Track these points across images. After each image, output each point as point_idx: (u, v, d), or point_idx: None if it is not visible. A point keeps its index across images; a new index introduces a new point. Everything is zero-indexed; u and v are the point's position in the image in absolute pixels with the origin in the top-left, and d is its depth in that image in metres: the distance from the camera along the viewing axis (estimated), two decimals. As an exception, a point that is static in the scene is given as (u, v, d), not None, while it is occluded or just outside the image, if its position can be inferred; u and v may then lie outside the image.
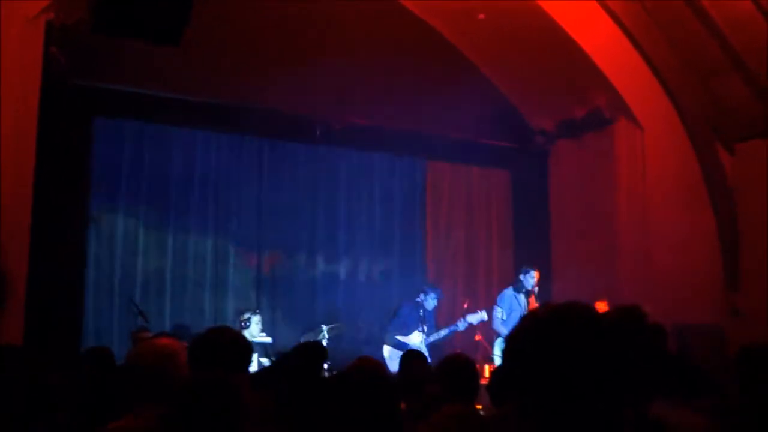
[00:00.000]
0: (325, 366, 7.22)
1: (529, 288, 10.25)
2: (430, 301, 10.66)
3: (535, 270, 10.33)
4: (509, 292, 10.44)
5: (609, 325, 1.80)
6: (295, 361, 5.03)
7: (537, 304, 10.17)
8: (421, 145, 12.35)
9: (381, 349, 10.53)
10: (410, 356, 6.23)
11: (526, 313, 1.87)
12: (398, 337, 10.48)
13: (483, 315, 10.47)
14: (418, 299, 10.67)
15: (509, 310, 10.28)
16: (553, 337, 1.74)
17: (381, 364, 3.94)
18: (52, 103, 8.89)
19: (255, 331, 9.90)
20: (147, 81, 10.29)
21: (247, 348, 3.86)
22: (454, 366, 4.83)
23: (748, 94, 10.90)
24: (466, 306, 10.83)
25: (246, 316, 9.99)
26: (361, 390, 3.62)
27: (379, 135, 12.05)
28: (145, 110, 10.74)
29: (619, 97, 11.14)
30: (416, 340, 10.40)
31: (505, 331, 10.16)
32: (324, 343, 10.15)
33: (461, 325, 10.42)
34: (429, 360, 7.65)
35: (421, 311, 10.59)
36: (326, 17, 10.81)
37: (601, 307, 10.27)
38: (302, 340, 10.54)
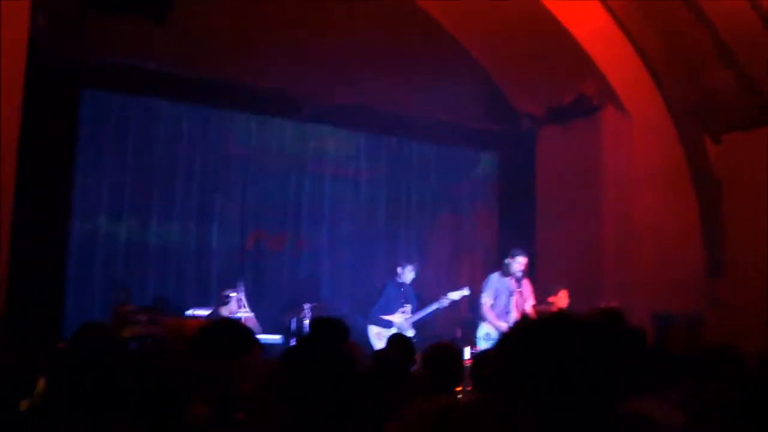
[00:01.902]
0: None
1: (516, 272, 10.23)
2: (408, 274, 10.70)
3: (522, 254, 10.30)
4: (495, 276, 10.44)
5: (592, 328, 1.87)
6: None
7: (522, 289, 10.19)
8: (408, 125, 12.35)
9: (366, 328, 10.55)
10: (395, 341, 6.25)
11: (520, 318, 1.92)
12: (382, 317, 10.51)
13: (465, 291, 10.55)
14: (397, 272, 10.73)
15: (495, 294, 10.29)
16: (544, 342, 1.81)
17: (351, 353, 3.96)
18: (39, 74, 8.82)
19: (234, 308, 9.89)
20: (135, 54, 10.24)
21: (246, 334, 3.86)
22: (439, 355, 4.87)
23: (736, 85, 10.92)
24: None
25: (226, 292, 9.98)
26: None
27: (366, 114, 12.04)
28: (132, 83, 10.69)
29: (607, 84, 11.16)
30: (400, 319, 10.44)
31: (491, 316, 10.17)
32: (306, 321, 10.20)
33: (444, 302, 10.48)
34: (415, 340, 7.72)
35: (402, 288, 10.64)
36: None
37: (562, 296, 10.33)
38: (284, 317, 10.59)
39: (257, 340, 3.57)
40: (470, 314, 10.92)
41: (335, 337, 4.97)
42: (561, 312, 1.93)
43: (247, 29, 10.68)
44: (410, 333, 10.11)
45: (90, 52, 10.07)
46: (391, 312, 10.53)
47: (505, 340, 1.92)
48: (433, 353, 4.92)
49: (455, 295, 10.49)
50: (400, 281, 10.71)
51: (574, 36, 10.88)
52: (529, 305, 10.17)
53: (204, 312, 9.99)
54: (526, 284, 10.31)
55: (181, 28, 8.89)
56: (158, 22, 6.10)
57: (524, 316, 1.98)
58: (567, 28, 10.82)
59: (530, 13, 10.73)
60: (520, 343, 1.86)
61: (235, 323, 4.03)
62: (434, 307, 10.55)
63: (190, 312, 10.10)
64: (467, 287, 10.66)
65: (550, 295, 10.45)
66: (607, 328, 1.84)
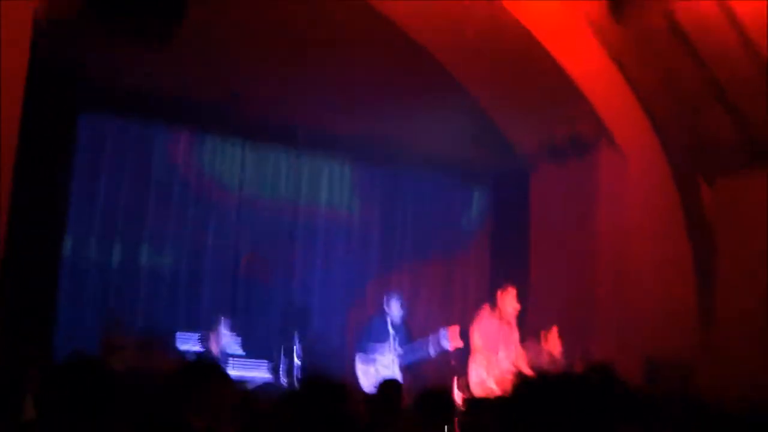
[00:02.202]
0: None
1: (507, 309, 10.17)
2: (395, 307, 10.60)
3: (512, 289, 10.23)
4: (486, 312, 10.38)
5: (583, 385, 1.89)
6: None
7: (513, 326, 10.14)
8: (402, 157, 12.38)
9: (352, 360, 10.51)
10: (386, 387, 6.18)
11: (519, 378, 1.93)
12: (368, 353, 10.44)
13: (453, 329, 10.40)
14: (384, 309, 10.66)
15: (485, 335, 10.20)
16: (542, 407, 1.82)
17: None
18: (38, 97, 8.82)
19: (222, 334, 9.86)
20: (133, 79, 10.26)
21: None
22: (430, 402, 4.83)
23: (731, 127, 10.96)
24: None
25: (216, 318, 9.95)
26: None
27: (360, 144, 12.11)
28: (129, 108, 10.74)
29: (602, 124, 11.17)
30: (387, 360, 10.36)
31: (480, 358, 10.05)
32: (296, 350, 10.16)
33: (433, 351, 10.36)
34: (402, 381, 7.67)
35: (389, 323, 10.58)
36: (311, 25, 10.79)
37: (553, 335, 10.28)
38: (273, 345, 10.54)
39: (221, 374, 3.55)
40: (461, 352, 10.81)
41: (332, 400, 4.87)
42: (557, 375, 1.93)
43: (244, 56, 10.71)
44: (395, 370, 10.07)
45: (89, 76, 10.09)
46: (378, 348, 10.45)
47: (506, 403, 1.94)
48: (427, 398, 4.88)
49: (445, 344, 10.34)
50: (388, 316, 10.65)
51: (570, 74, 10.91)
52: (514, 343, 10.09)
53: (192, 336, 9.93)
54: (513, 322, 10.22)
55: (178, 54, 8.89)
56: (158, 49, 6.12)
57: (522, 378, 1.99)
58: (562, 65, 10.85)
59: (526, 49, 10.76)
60: (520, 409, 1.87)
61: (209, 365, 3.99)
62: (423, 354, 10.41)
63: (179, 335, 10.05)
64: (456, 326, 10.48)
65: (541, 333, 10.41)
66: (599, 388, 1.86)
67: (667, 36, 10.53)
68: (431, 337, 10.32)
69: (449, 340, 10.26)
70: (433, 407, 4.82)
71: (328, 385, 4.92)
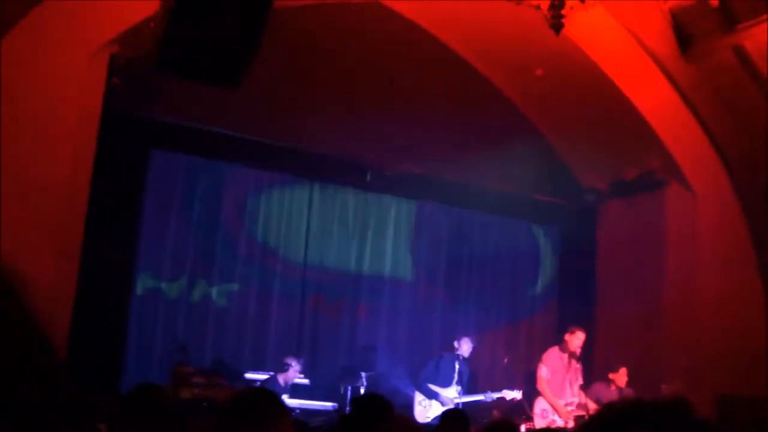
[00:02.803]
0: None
1: (574, 349, 10.11)
2: (465, 347, 10.63)
3: (581, 330, 10.19)
4: (555, 352, 10.30)
5: (657, 415, 1.84)
6: None
7: (579, 365, 10.05)
8: (469, 195, 12.35)
9: (413, 395, 10.51)
10: (452, 417, 6.15)
11: (601, 408, 1.90)
12: (431, 386, 10.46)
13: (518, 394, 10.38)
14: (454, 345, 10.69)
15: (553, 369, 10.15)
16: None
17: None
18: (111, 134, 9.05)
19: (291, 375, 9.90)
20: (204, 117, 10.45)
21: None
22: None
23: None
24: (506, 361, 10.75)
25: (287, 359, 9.98)
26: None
27: (429, 183, 12.10)
28: (200, 145, 10.91)
29: (672, 160, 11.06)
30: (451, 394, 10.37)
31: (548, 391, 10.03)
32: (362, 390, 10.15)
33: (493, 396, 10.38)
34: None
35: (458, 364, 10.57)
36: (383, 64, 10.91)
37: (622, 373, 10.15)
38: (340, 384, 10.54)
39: (285, 410, 3.53)
40: (527, 387, 10.74)
41: (378, 416, 4.84)
42: (635, 404, 1.88)
43: (313, 95, 10.85)
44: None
45: (161, 113, 10.31)
46: (442, 385, 10.46)
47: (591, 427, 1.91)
48: (493, 430, 4.85)
49: (507, 395, 10.36)
50: (457, 354, 10.64)
51: (639, 109, 10.84)
52: (577, 385, 10.01)
53: (262, 376, 9.99)
54: (579, 363, 10.17)
55: (249, 93, 9.03)
56: (230, 88, 6.24)
57: (602, 409, 1.97)
58: (632, 101, 10.79)
59: (595, 85, 10.74)
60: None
61: (264, 393, 3.97)
62: (481, 397, 10.46)
63: (248, 375, 10.12)
64: (520, 391, 10.47)
65: (609, 371, 10.30)
66: (679, 422, 1.79)
67: (736, 72, 10.43)
68: (493, 392, 10.37)
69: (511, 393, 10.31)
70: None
71: (375, 402, 4.91)
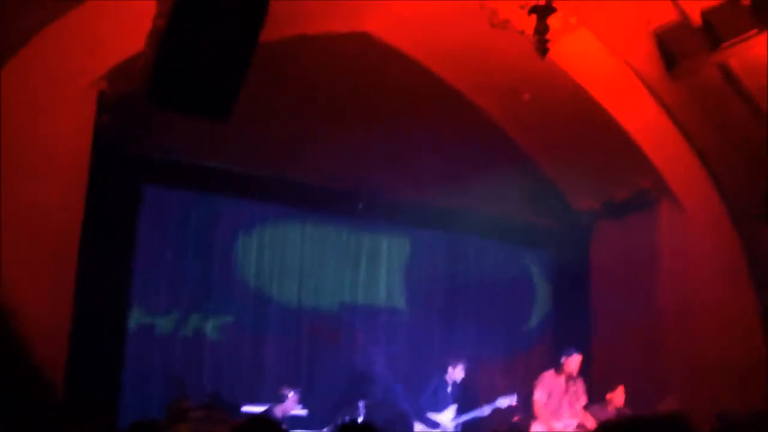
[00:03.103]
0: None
1: (570, 371, 10.13)
2: (458, 373, 10.62)
3: (576, 353, 10.23)
4: (550, 375, 10.32)
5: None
6: None
7: (576, 388, 10.05)
8: (462, 221, 12.36)
9: (412, 427, 10.46)
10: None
11: (601, 423, 1.90)
12: (430, 415, 10.44)
13: (512, 399, 10.38)
14: (447, 374, 10.68)
15: (549, 392, 10.15)
16: None
17: None
18: (103, 171, 9.06)
19: (289, 406, 9.87)
20: (195, 151, 10.47)
21: None
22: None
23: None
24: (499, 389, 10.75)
25: (284, 390, 9.96)
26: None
27: (420, 210, 12.10)
28: (193, 179, 10.92)
29: (662, 179, 11.12)
30: (447, 418, 10.35)
31: (543, 414, 10.04)
32: (360, 419, 10.10)
33: (487, 410, 10.36)
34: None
35: (449, 387, 10.56)
36: (371, 93, 10.96)
37: (619, 392, 10.15)
38: (338, 414, 10.50)
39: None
40: (522, 414, 10.72)
41: None
42: (631, 420, 1.89)
43: (304, 126, 10.88)
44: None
45: (152, 148, 10.33)
46: (439, 410, 10.45)
47: None
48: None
49: (501, 403, 10.36)
50: (451, 380, 10.64)
51: (627, 130, 10.91)
52: (580, 405, 10.00)
53: (259, 409, 9.94)
54: (579, 384, 10.17)
55: (240, 126, 9.07)
56: (219, 120, 6.26)
57: (598, 427, 1.96)
58: (620, 122, 10.86)
59: (582, 108, 10.81)
60: None
61: (268, 424, 3.96)
62: (478, 413, 10.44)
63: (245, 408, 10.07)
64: (515, 395, 10.48)
65: (606, 392, 10.29)
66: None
67: (722, 88, 10.51)
68: (486, 404, 10.35)
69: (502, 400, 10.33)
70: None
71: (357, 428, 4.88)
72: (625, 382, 10.18)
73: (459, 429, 10.28)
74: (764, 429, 10.14)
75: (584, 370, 10.51)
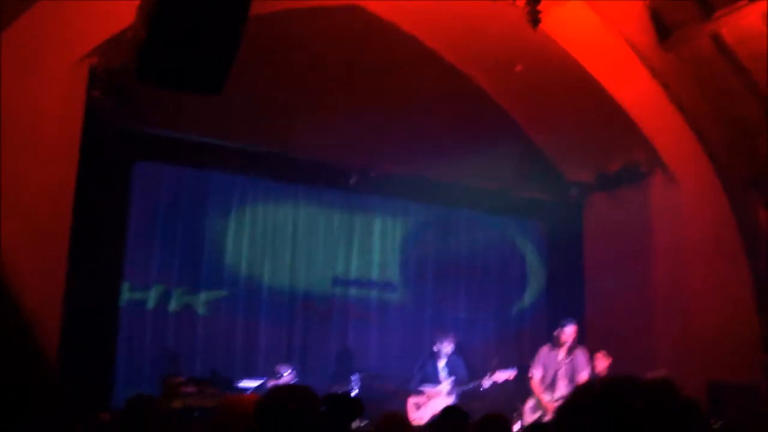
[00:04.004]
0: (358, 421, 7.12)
1: (565, 343, 10.13)
2: (446, 348, 10.62)
3: (570, 323, 10.21)
4: (545, 349, 10.32)
5: (652, 401, 1.79)
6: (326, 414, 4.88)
7: (574, 359, 10.05)
8: (455, 194, 12.37)
9: (406, 398, 10.51)
10: (449, 412, 6.15)
11: (576, 386, 1.86)
12: (423, 387, 10.45)
13: (511, 373, 10.39)
14: (434, 348, 10.67)
15: (544, 367, 10.17)
16: (606, 412, 1.74)
17: (405, 421, 3.93)
18: (94, 147, 9.01)
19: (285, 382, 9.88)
20: (187, 126, 10.43)
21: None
22: (489, 427, 4.82)
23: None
24: (495, 362, 10.74)
25: (280, 368, 9.96)
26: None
27: (414, 184, 12.08)
28: (184, 155, 10.89)
29: (655, 151, 11.12)
30: (444, 389, 10.36)
31: (538, 390, 10.07)
32: (353, 394, 10.12)
33: (486, 383, 10.36)
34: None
35: (443, 360, 10.56)
36: (364, 66, 10.91)
37: (601, 360, 10.17)
38: (332, 388, 10.52)
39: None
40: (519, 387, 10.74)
41: (348, 416, 4.78)
42: (617, 380, 1.84)
43: (296, 100, 10.84)
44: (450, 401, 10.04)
45: (143, 123, 10.27)
46: (432, 384, 10.46)
47: (562, 413, 1.86)
48: (484, 425, 4.87)
49: (499, 377, 10.35)
50: (440, 356, 10.62)
51: (621, 103, 10.88)
52: (584, 375, 9.98)
53: (254, 383, 9.95)
54: (581, 354, 10.13)
55: (232, 100, 9.02)
56: (211, 95, 6.22)
57: (578, 388, 1.91)
58: (613, 95, 10.83)
59: (576, 81, 10.78)
60: (576, 417, 1.79)
61: (299, 389, 3.89)
62: (476, 384, 10.44)
63: (240, 384, 10.06)
64: (514, 368, 10.48)
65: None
66: (662, 401, 1.73)
67: (715, 59, 10.49)
68: (485, 376, 10.34)
69: (500, 374, 10.32)
70: (492, 430, 4.79)
71: (342, 399, 4.88)
72: (620, 353, 10.20)
73: (456, 399, 10.26)
74: (754, 400, 10.23)
75: (577, 342, 10.54)
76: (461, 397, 10.33)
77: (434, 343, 10.72)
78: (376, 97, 10.97)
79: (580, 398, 1.82)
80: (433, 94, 11.20)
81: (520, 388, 10.53)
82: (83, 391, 8.54)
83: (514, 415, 10.02)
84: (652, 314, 11.12)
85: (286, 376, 9.88)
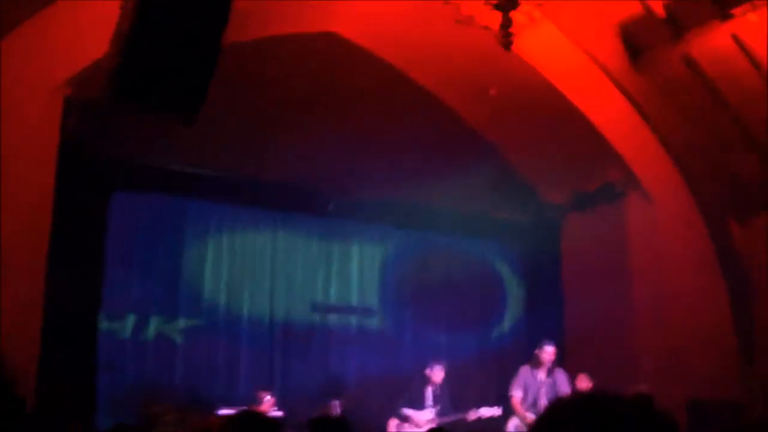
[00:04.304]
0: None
1: (545, 363, 10.17)
2: (437, 373, 10.63)
3: (550, 345, 10.27)
4: (525, 370, 10.35)
5: (627, 416, 1.78)
6: None
7: (555, 379, 10.08)
8: (432, 218, 12.40)
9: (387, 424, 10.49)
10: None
11: (553, 400, 1.85)
12: (406, 411, 10.43)
13: (496, 411, 10.37)
14: (426, 372, 10.67)
15: (525, 387, 10.18)
16: (583, 425, 1.73)
17: None
18: (70, 177, 8.97)
19: (265, 409, 9.84)
20: (164, 155, 10.42)
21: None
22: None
23: (760, 168, 10.93)
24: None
25: (260, 393, 9.93)
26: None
27: (390, 208, 12.10)
28: (161, 183, 10.87)
29: (629, 171, 11.20)
30: (426, 417, 10.34)
31: (519, 410, 10.08)
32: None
33: (472, 416, 10.35)
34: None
35: (430, 388, 10.56)
36: (339, 92, 10.95)
37: (583, 381, 10.21)
38: (314, 414, 10.46)
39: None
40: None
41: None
42: (593, 395, 1.83)
43: (273, 127, 10.85)
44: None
45: (119, 152, 10.25)
46: (418, 407, 10.44)
47: (540, 426, 1.84)
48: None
49: (485, 413, 10.34)
50: (429, 379, 10.63)
51: (595, 124, 10.96)
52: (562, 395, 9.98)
53: (234, 411, 9.85)
54: (561, 374, 10.19)
55: (209, 128, 9.02)
56: (187, 121, 6.21)
57: (556, 401, 1.90)
58: (587, 116, 10.91)
59: (550, 103, 10.85)
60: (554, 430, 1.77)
61: (260, 416, 3.92)
62: (460, 416, 10.42)
63: (220, 411, 10.00)
64: (499, 407, 10.46)
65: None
66: (639, 416, 1.71)
67: (687, 80, 10.60)
68: (471, 411, 10.32)
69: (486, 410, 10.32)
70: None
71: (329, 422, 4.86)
72: (598, 371, 10.22)
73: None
74: (734, 418, 10.26)
75: (558, 362, 10.56)
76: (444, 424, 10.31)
77: (426, 368, 10.72)
78: (353, 122, 11.01)
79: (558, 412, 1.82)
80: (409, 119, 11.25)
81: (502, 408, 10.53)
82: (64, 421, 8.48)
83: None
84: (631, 332, 11.15)
85: (266, 402, 9.83)
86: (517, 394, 10.16)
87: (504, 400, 10.43)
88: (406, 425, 10.37)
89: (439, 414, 10.42)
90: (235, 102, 10.04)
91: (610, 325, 11.16)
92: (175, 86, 5.92)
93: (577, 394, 1.91)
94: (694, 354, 10.68)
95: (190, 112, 6.19)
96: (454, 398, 10.74)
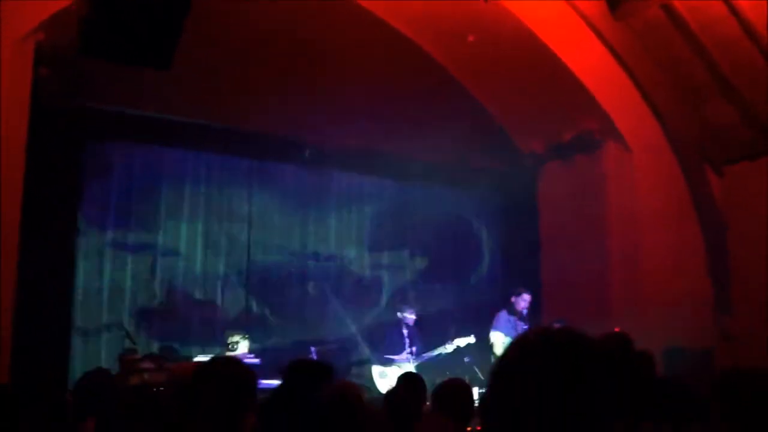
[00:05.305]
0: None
1: (521, 310, 10.28)
2: (409, 317, 10.78)
3: (526, 292, 10.38)
4: (504, 315, 10.45)
5: (598, 351, 1.74)
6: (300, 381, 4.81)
7: (526, 326, 10.18)
8: (410, 166, 12.35)
9: (370, 367, 10.60)
10: (407, 378, 6.21)
11: (516, 336, 1.80)
12: (387, 356, 10.55)
13: (471, 338, 10.53)
14: (399, 316, 10.82)
15: (506, 332, 10.29)
16: (544, 361, 1.69)
17: (359, 392, 3.95)
18: (43, 126, 8.87)
19: (240, 356, 9.86)
20: (138, 102, 10.30)
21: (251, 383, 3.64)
22: (449, 391, 4.85)
23: (737, 117, 10.94)
24: (453, 331, 10.86)
25: (234, 339, 9.96)
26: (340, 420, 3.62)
27: (367, 157, 12.06)
28: (136, 131, 10.76)
29: (608, 119, 11.17)
30: (406, 359, 10.46)
31: (497, 347, 10.22)
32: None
33: (449, 348, 10.49)
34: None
35: (405, 329, 10.69)
36: (315, 40, 10.83)
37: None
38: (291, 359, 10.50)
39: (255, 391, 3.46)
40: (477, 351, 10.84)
41: (317, 380, 4.69)
42: (567, 330, 1.77)
43: (249, 74, 10.75)
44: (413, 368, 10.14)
45: (94, 101, 10.13)
46: (396, 351, 10.56)
47: (503, 359, 1.78)
48: (444, 391, 4.90)
49: (461, 342, 10.49)
50: (403, 325, 10.74)
51: (574, 72, 10.91)
52: None
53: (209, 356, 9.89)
54: (525, 325, 10.30)
55: (184, 76, 8.91)
56: (161, 69, 6.11)
57: (524, 334, 1.85)
58: (566, 64, 10.85)
59: (529, 50, 10.78)
60: (519, 363, 1.72)
61: (236, 361, 3.85)
62: (438, 351, 10.56)
63: (197, 358, 10.04)
64: (473, 335, 10.62)
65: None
66: (615, 351, 1.66)
67: (666, 28, 10.55)
68: (447, 343, 10.44)
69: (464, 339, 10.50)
70: (452, 396, 4.83)
71: (307, 365, 4.86)
72: (574, 320, 10.28)
73: (415, 367, 10.36)
74: (707, 366, 10.38)
75: (534, 309, 10.65)
76: (424, 367, 10.42)
77: (399, 312, 10.84)
78: (330, 71, 10.91)
79: (530, 342, 1.76)
80: (385, 66, 11.14)
81: (480, 356, 10.62)
82: (41, 374, 8.49)
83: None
84: (607, 281, 11.21)
85: (242, 345, 9.87)
86: (497, 339, 10.27)
87: (482, 347, 10.54)
88: (388, 369, 10.45)
89: (417, 354, 10.54)
90: (211, 50, 9.93)
91: (586, 273, 11.22)
92: (146, 35, 5.82)
93: (548, 328, 1.84)
94: (670, 302, 10.74)
95: (163, 59, 6.10)
96: (428, 338, 10.86)
